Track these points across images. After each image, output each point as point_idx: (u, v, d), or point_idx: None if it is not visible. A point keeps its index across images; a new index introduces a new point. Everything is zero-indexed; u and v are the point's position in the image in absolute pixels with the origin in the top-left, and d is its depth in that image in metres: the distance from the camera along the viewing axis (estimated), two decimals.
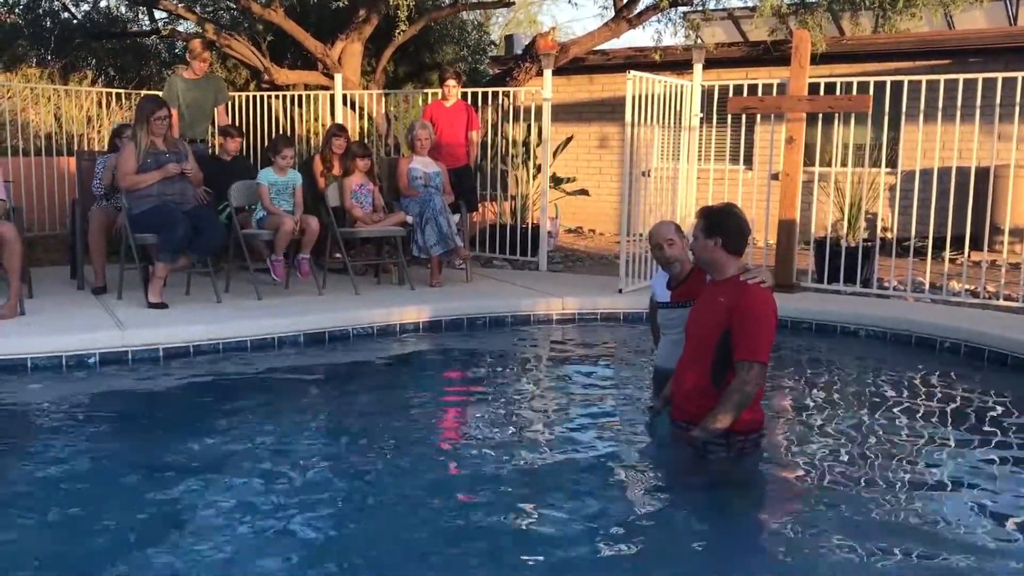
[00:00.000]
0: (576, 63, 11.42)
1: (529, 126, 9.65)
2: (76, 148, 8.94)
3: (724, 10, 11.94)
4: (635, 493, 3.62)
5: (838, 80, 7.22)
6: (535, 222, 8.99)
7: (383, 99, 10.16)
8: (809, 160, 8.41)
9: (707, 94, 7.89)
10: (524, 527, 3.19)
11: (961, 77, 6.85)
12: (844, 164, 7.70)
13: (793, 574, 2.93)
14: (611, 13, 10.71)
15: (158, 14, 13.18)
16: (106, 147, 8.07)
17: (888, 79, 7.12)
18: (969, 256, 7.30)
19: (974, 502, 3.46)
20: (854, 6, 9.97)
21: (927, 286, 7.28)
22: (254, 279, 6.57)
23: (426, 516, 3.27)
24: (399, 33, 9.94)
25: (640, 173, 7.33)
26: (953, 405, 4.82)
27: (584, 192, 10.91)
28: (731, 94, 7.56)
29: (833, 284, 7.34)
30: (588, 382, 5.24)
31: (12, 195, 6.19)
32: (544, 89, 8.42)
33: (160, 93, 7.64)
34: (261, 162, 9.16)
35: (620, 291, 6.99)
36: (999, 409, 4.73)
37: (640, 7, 10.40)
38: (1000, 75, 6.77)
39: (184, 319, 5.67)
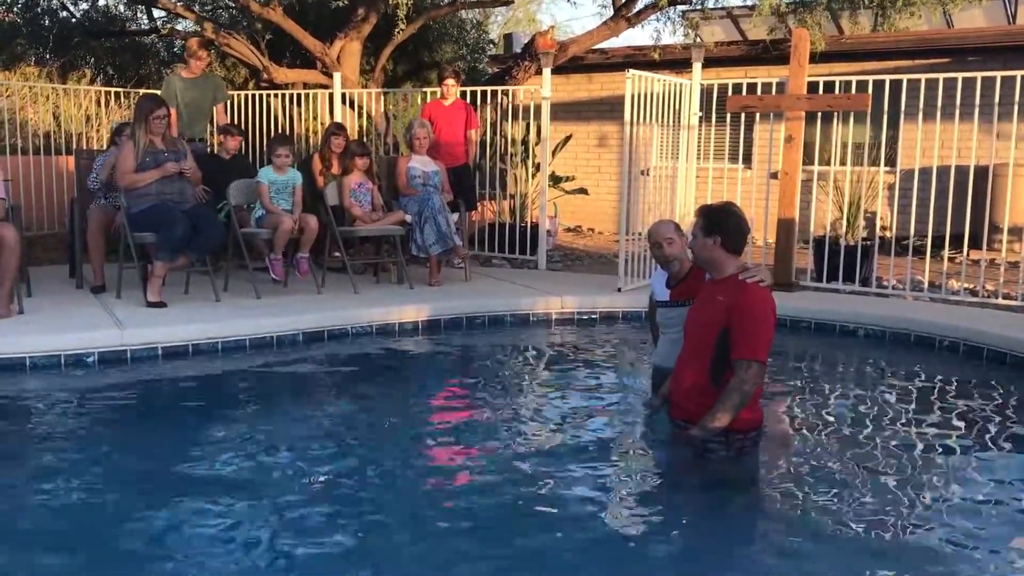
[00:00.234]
0: (575, 62, 11.42)
1: (528, 125, 9.64)
2: (75, 147, 8.93)
3: (723, 9, 11.94)
4: (634, 492, 3.62)
5: (837, 79, 7.22)
6: (534, 221, 8.99)
7: (382, 98, 10.16)
8: (808, 159, 8.41)
9: (706, 93, 7.89)
10: (522, 526, 3.19)
11: (960, 76, 6.85)
12: (843, 163, 7.70)
13: (792, 573, 2.93)
14: (610, 12, 10.70)
15: (157, 13, 13.16)
16: (105, 146, 8.08)
17: (887, 78, 7.12)
18: (968, 255, 7.30)
19: (973, 500, 3.46)
20: (853, 5, 9.97)
21: (926, 285, 7.29)
22: (253, 278, 6.57)
23: (424, 515, 3.27)
24: (398, 32, 9.95)
25: (639, 172, 7.33)
26: (952, 404, 4.82)
27: (583, 191, 10.91)
28: (730, 93, 7.56)
29: (832, 283, 7.34)
30: (587, 381, 5.24)
31: (11, 194, 6.18)
32: (543, 88, 8.41)
33: (159, 92, 7.63)
34: (260, 161, 9.17)
35: (619, 290, 6.99)
36: (998, 408, 4.73)
37: (639, 6, 10.39)
38: (999, 74, 6.77)
39: (183, 318, 5.66)
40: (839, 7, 10.12)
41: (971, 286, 7.16)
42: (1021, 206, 8.80)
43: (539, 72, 8.85)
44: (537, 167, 9.29)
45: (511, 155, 9.65)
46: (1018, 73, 6.60)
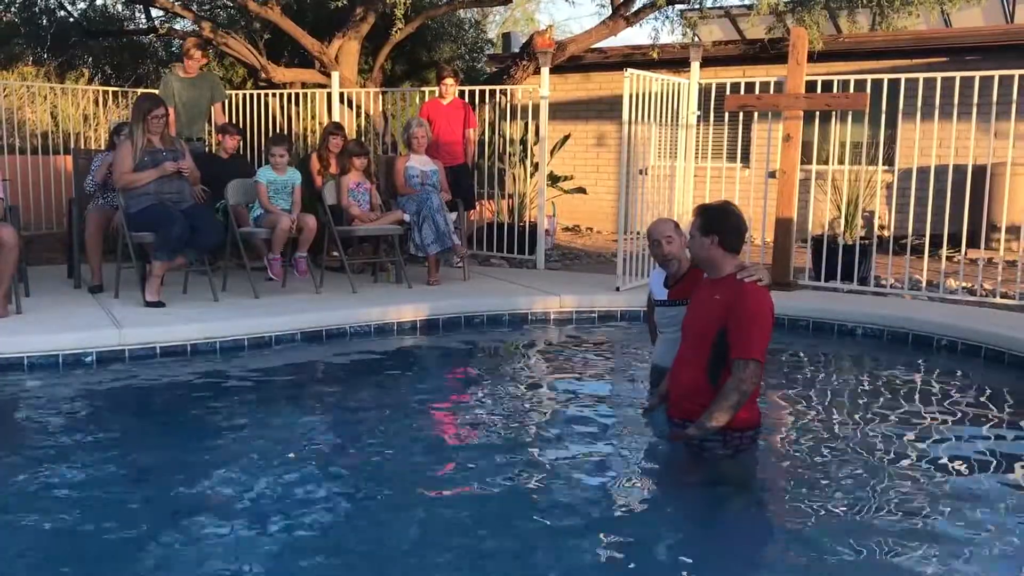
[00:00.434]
0: (573, 61, 11.42)
1: (526, 124, 9.64)
2: (73, 147, 8.93)
3: (721, 8, 11.94)
4: (631, 490, 3.62)
5: (835, 78, 7.22)
6: (532, 220, 8.99)
7: (380, 97, 10.16)
8: (806, 158, 8.41)
9: (704, 92, 7.89)
10: (520, 525, 3.19)
11: (958, 75, 6.85)
12: (841, 162, 7.71)
13: (789, 571, 2.93)
14: (608, 11, 10.70)
15: (155, 12, 13.15)
16: (103, 145, 8.07)
17: (885, 77, 7.12)
18: (966, 254, 7.30)
19: (972, 499, 3.46)
20: (851, 4, 9.99)
21: (924, 284, 7.29)
22: (251, 278, 6.57)
23: (422, 514, 3.27)
24: (396, 31, 9.94)
25: (637, 171, 7.33)
26: (950, 403, 4.83)
27: (581, 190, 10.91)
28: (728, 92, 7.56)
29: (830, 282, 7.34)
30: (585, 380, 5.24)
31: (9, 194, 6.18)
32: (541, 87, 8.42)
33: (157, 91, 7.63)
34: (258, 160, 9.17)
35: (618, 289, 6.99)
36: (996, 407, 4.74)
37: (637, 5, 10.39)
38: (996, 73, 6.78)
39: (181, 318, 5.66)
40: (837, 6, 10.13)
41: (969, 285, 7.16)
42: (1019, 205, 8.80)
43: (537, 71, 8.85)
44: (535, 166, 9.29)
45: (509, 154, 9.65)
46: (1016, 72, 6.60)
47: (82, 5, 13.96)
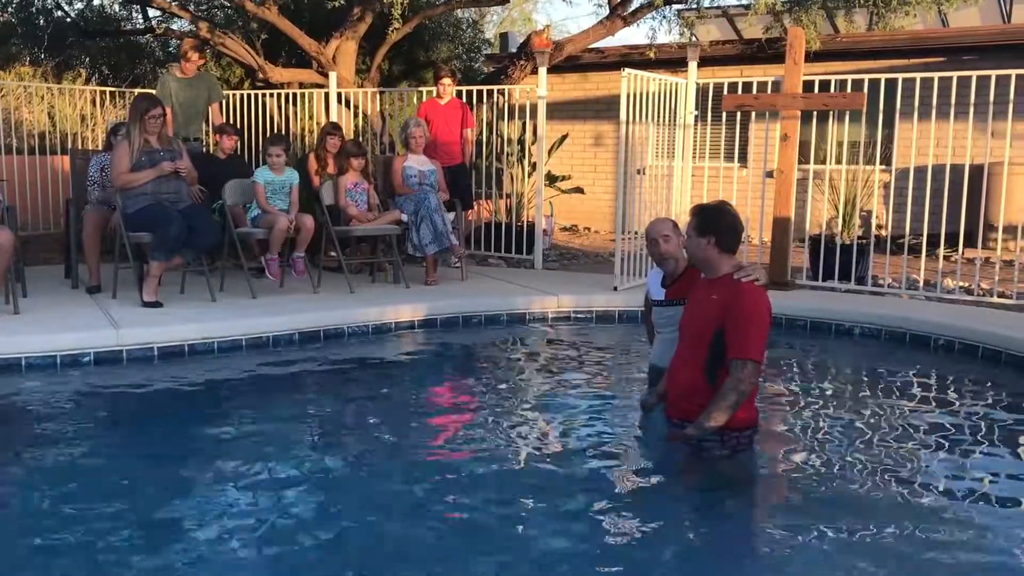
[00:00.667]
0: (571, 61, 11.42)
1: (524, 124, 9.64)
2: (70, 147, 8.92)
3: (719, 8, 11.96)
4: (629, 490, 3.62)
5: (833, 78, 7.23)
6: (530, 220, 8.99)
7: (378, 97, 10.16)
8: (804, 158, 8.42)
9: (702, 92, 7.90)
10: (517, 525, 3.20)
11: (955, 75, 6.86)
12: (839, 162, 7.72)
13: (787, 571, 2.93)
14: (606, 11, 10.71)
15: (152, 12, 13.14)
16: (100, 146, 8.06)
17: (882, 77, 7.13)
18: (963, 253, 7.31)
19: (971, 498, 3.47)
20: (848, 4, 10.00)
21: (921, 283, 7.30)
22: (249, 278, 6.56)
23: (420, 514, 3.27)
24: (393, 31, 9.93)
25: (635, 171, 7.33)
26: (947, 402, 4.83)
27: (579, 190, 10.92)
28: (726, 92, 7.57)
29: (828, 282, 7.35)
30: (583, 380, 5.24)
31: (6, 194, 6.17)
32: (539, 87, 8.42)
33: (154, 91, 7.62)
34: (256, 161, 9.16)
35: (615, 289, 7.00)
36: (993, 406, 4.74)
37: (635, 5, 10.41)
38: (993, 72, 6.78)
39: (179, 318, 5.66)
40: (835, 6, 10.14)
41: (966, 285, 7.17)
42: (1016, 204, 8.82)
43: (535, 71, 8.85)
44: (533, 166, 9.30)
45: (507, 154, 9.66)
46: (1013, 72, 6.61)
47: (79, 5, 13.95)
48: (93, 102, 10.18)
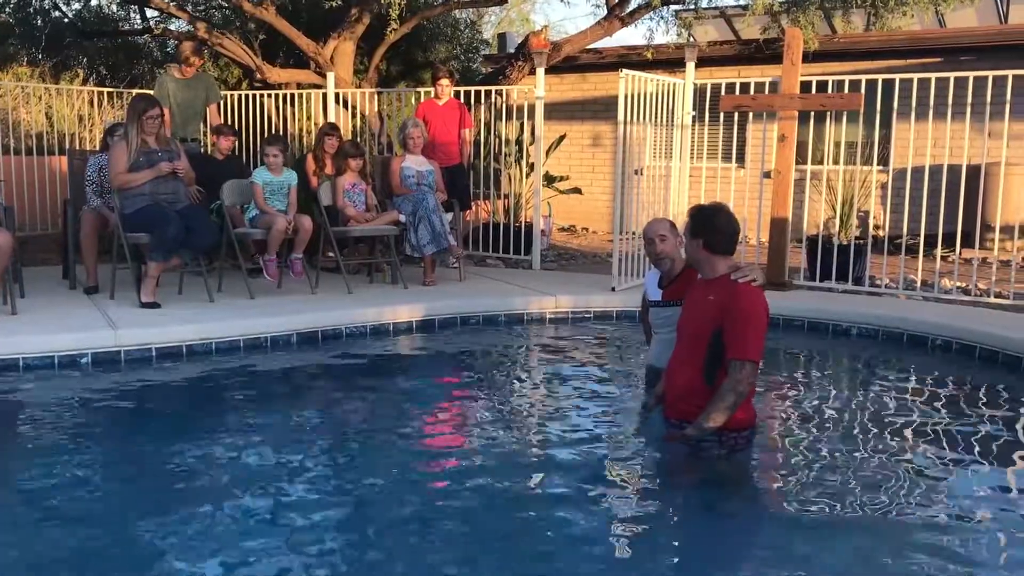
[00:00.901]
0: (569, 61, 11.43)
1: (522, 124, 9.65)
2: (68, 147, 8.92)
3: (716, 8, 11.96)
4: (627, 491, 3.63)
5: (830, 78, 7.24)
6: (528, 221, 8.99)
7: (376, 98, 10.16)
8: (801, 158, 8.43)
9: (699, 92, 7.90)
10: (516, 525, 3.20)
11: (952, 75, 6.87)
12: (836, 162, 7.73)
13: (786, 570, 2.94)
14: (604, 11, 10.72)
15: (149, 12, 13.16)
16: (98, 146, 8.05)
17: (880, 77, 7.14)
18: (960, 254, 7.32)
19: (968, 498, 3.48)
20: (846, 4, 10.00)
21: (919, 284, 7.31)
22: (247, 278, 6.56)
23: (419, 515, 3.27)
24: (391, 32, 9.94)
25: (633, 171, 7.33)
26: (945, 403, 4.84)
27: (577, 191, 10.92)
28: (723, 92, 7.57)
29: (825, 282, 7.36)
30: (581, 380, 5.24)
31: (4, 194, 6.17)
32: (537, 87, 8.42)
33: (152, 92, 7.61)
34: (254, 161, 9.16)
35: (613, 289, 7.00)
36: (990, 406, 4.75)
37: (632, 5, 10.41)
38: (991, 73, 6.79)
39: (177, 318, 5.66)
40: (832, 6, 10.15)
41: (964, 285, 7.18)
42: (1013, 205, 8.84)
43: (533, 72, 8.86)
44: (531, 167, 9.30)
45: (505, 155, 9.66)
46: (1010, 72, 6.63)
47: (77, 5, 13.95)
48: (91, 102, 10.18)
